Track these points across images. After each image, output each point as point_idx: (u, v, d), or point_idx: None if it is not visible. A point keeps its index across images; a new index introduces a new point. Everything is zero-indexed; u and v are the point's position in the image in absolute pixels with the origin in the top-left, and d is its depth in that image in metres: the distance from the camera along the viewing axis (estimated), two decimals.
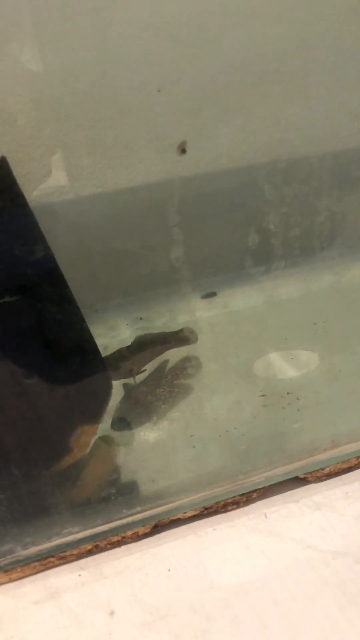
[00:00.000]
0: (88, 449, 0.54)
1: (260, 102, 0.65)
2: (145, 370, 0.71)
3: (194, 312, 0.77)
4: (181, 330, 0.73)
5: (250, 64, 0.64)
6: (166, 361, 0.72)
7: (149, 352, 0.71)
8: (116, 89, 0.73)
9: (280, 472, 0.57)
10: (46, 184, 0.78)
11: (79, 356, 0.52)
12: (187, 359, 0.71)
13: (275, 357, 0.68)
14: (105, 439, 0.59)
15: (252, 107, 0.65)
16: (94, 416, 0.55)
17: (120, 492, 0.54)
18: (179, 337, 0.72)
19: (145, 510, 0.55)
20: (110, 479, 0.55)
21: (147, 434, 0.61)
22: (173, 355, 0.71)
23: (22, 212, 0.48)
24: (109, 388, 0.57)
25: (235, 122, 0.66)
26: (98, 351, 0.54)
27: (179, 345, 0.73)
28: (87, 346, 0.53)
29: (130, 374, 0.69)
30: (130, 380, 0.68)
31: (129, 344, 0.70)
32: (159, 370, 0.71)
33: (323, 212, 0.66)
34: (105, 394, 0.57)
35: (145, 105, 0.69)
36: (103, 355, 0.66)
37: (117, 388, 0.66)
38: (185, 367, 0.72)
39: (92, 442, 0.54)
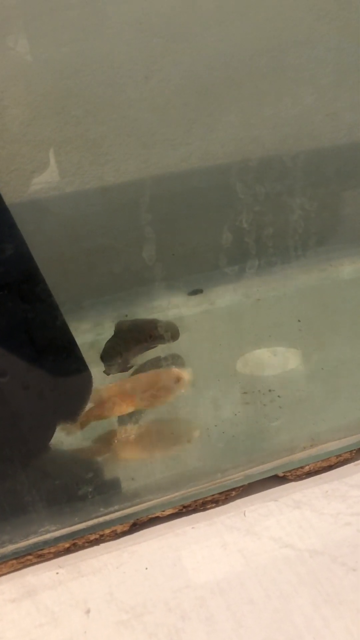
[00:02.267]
0: None
1: (233, 100, 0.64)
2: (132, 366, 0.71)
3: (180, 309, 0.76)
4: (154, 320, 0.73)
5: (222, 62, 0.63)
6: (150, 360, 0.72)
7: (136, 348, 0.71)
8: (103, 83, 0.72)
9: (259, 470, 0.57)
10: (33, 180, 0.78)
11: (56, 353, 0.52)
12: (169, 358, 0.71)
13: (258, 355, 0.68)
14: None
15: (225, 106, 0.65)
16: (72, 414, 0.55)
17: (98, 490, 0.54)
18: (156, 327, 0.72)
19: (123, 509, 0.55)
20: (86, 475, 0.54)
21: (128, 432, 0.61)
22: (155, 353, 0.71)
23: None
24: (88, 386, 0.57)
25: (207, 121, 0.66)
26: (77, 349, 0.54)
27: (162, 342, 0.73)
28: (64, 343, 0.53)
29: (126, 366, 0.68)
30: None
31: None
32: (144, 368, 0.70)
33: (297, 211, 0.65)
34: (84, 391, 0.57)
35: (120, 101, 0.69)
36: (102, 352, 0.66)
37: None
38: (167, 362, 0.72)
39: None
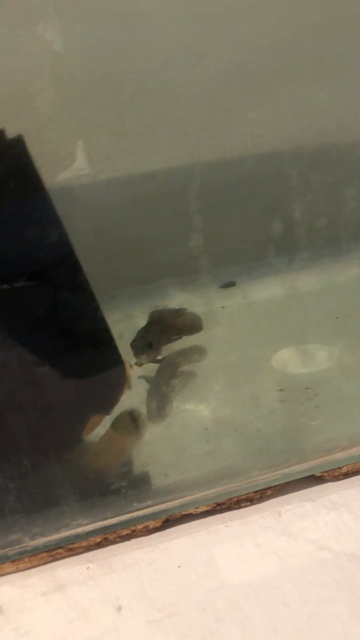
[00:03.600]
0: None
1: (289, 84, 0.62)
2: (162, 358, 0.70)
3: (212, 302, 0.75)
4: (183, 309, 0.72)
5: (279, 44, 0.61)
6: (175, 352, 0.71)
7: (163, 338, 0.70)
8: (137, 69, 0.71)
9: (296, 469, 0.55)
10: (64, 167, 0.77)
11: (92, 344, 0.51)
12: (191, 348, 0.70)
13: (294, 351, 0.66)
14: (133, 415, 0.57)
15: (279, 90, 0.62)
16: (106, 406, 0.54)
17: (131, 485, 0.53)
18: (182, 316, 0.71)
19: (156, 504, 0.53)
20: (121, 470, 0.53)
21: (161, 427, 0.60)
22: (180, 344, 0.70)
23: (37, 193, 0.47)
24: (122, 377, 0.56)
25: (261, 106, 0.63)
26: (113, 340, 0.52)
27: (188, 333, 0.72)
28: (101, 334, 0.52)
29: (156, 356, 0.67)
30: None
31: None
32: (170, 361, 0.69)
33: (351, 202, 0.63)
34: (118, 383, 0.56)
35: (167, 86, 0.67)
36: (130, 341, 0.65)
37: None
38: (190, 354, 0.70)
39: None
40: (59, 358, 0.49)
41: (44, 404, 0.49)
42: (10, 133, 0.53)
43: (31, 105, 0.68)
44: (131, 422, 0.58)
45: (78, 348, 0.50)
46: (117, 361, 0.53)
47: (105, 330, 0.51)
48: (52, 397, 0.49)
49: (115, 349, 0.53)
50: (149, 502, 0.53)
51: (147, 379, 0.68)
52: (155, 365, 0.67)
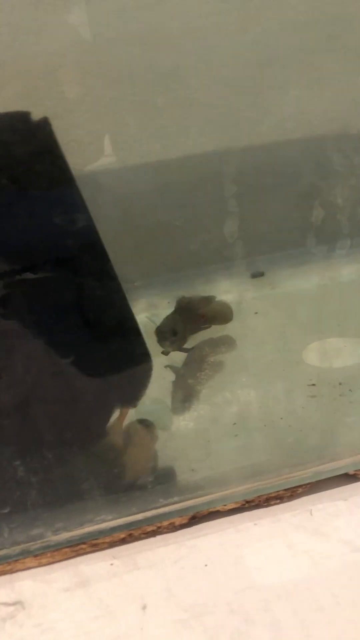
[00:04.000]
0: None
1: (335, 61, 0.59)
2: (190, 348, 0.68)
3: (242, 292, 0.73)
4: (212, 297, 0.70)
5: (326, 17, 0.57)
6: (203, 341, 0.69)
7: (192, 326, 0.68)
8: (168, 49, 0.68)
9: (328, 467, 0.53)
10: (90, 152, 0.75)
11: (119, 335, 0.49)
12: (220, 338, 0.68)
13: (327, 345, 0.64)
14: (145, 424, 0.55)
15: (325, 68, 0.59)
16: (132, 399, 0.52)
17: (157, 480, 0.52)
18: (211, 304, 0.69)
19: (183, 501, 0.52)
20: (150, 465, 0.52)
21: (188, 420, 0.58)
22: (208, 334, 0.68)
23: (63, 177, 0.45)
24: (149, 370, 0.54)
25: (305, 84, 0.60)
26: (139, 331, 0.51)
27: (217, 322, 0.70)
28: (127, 325, 0.50)
29: (183, 345, 0.66)
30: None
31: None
32: (198, 351, 0.67)
33: None
34: (144, 375, 0.54)
35: (200, 66, 0.64)
36: (155, 327, 0.63)
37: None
38: (219, 345, 0.68)
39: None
40: (85, 349, 0.47)
41: (69, 395, 0.47)
42: (36, 116, 0.52)
43: (57, 88, 0.67)
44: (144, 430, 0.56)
45: (104, 339, 0.48)
46: (143, 353, 0.51)
47: (132, 320, 0.50)
48: (77, 389, 0.47)
49: (141, 340, 0.51)
50: (175, 498, 0.52)
51: (174, 369, 0.66)
52: (184, 355, 0.66)
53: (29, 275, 0.46)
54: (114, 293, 0.48)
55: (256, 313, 0.69)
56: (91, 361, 0.48)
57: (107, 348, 0.49)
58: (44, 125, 0.45)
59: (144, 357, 0.52)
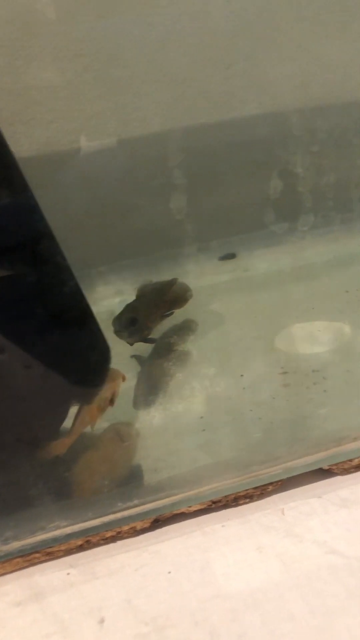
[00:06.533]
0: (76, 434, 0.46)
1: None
2: (154, 339, 0.64)
3: (210, 276, 0.68)
4: (175, 280, 0.65)
5: None
6: (169, 329, 0.65)
7: (155, 314, 0.64)
8: (125, 21, 0.64)
9: (301, 462, 0.49)
10: (52, 132, 0.71)
11: (67, 324, 0.44)
12: (184, 323, 0.64)
13: (299, 329, 0.60)
14: (118, 429, 0.51)
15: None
16: (86, 395, 0.48)
17: (115, 482, 0.47)
18: (174, 287, 0.65)
19: (144, 504, 0.48)
20: (112, 475, 0.47)
21: (151, 415, 0.54)
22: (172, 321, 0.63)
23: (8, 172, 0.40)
24: (105, 361, 0.50)
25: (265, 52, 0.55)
26: (91, 318, 0.46)
27: (178, 306, 0.66)
28: (77, 312, 0.45)
29: (147, 335, 0.61)
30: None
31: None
32: (165, 340, 0.63)
33: None
34: (100, 367, 0.49)
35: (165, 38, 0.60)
36: (115, 316, 0.59)
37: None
38: (184, 331, 0.64)
39: (86, 427, 0.47)
40: (27, 341, 0.42)
41: (11, 394, 0.43)
42: None
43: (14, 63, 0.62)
44: (117, 439, 0.51)
45: (49, 329, 0.44)
46: (97, 342, 0.47)
47: (82, 307, 0.45)
48: (20, 386, 0.43)
49: (95, 329, 0.47)
50: (136, 501, 0.48)
51: (139, 360, 0.62)
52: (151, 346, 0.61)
53: None
54: (59, 276, 0.43)
55: (225, 297, 0.65)
56: (36, 354, 0.43)
57: (54, 338, 0.44)
58: None
59: (98, 346, 0.47)
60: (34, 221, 0.43)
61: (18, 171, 0.44)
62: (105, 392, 0.48)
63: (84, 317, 0.47)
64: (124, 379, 0.50)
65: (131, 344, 0.61)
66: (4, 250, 0.40)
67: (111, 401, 0.48)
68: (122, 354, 0.62)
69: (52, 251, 0.42)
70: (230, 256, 0.70)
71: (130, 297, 0.69)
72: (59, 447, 0.47)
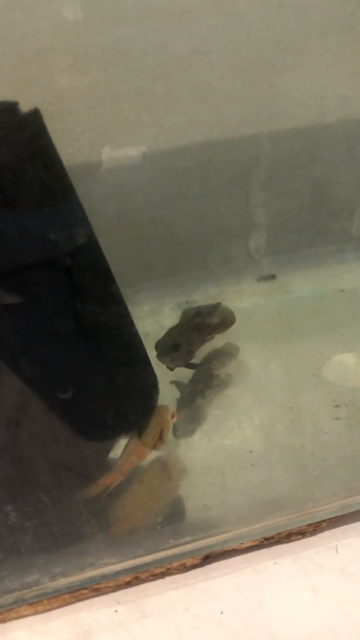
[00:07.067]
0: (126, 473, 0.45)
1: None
2: (197, 364, 0.62)
3: (249, 297, 0.66)
4: (219, 304, 0.64)
5: None
6: (210, 354, 0.64)
7: (197, 338, 0.62)
8: (163, 34, 0.62)
9: (357, 500, 0.48)
10: (83, 142, 0.69)
11: (123, 366, 0.43)
12: (226, 348, 0.62)
13: (350, 359, 0.58)
14: (163, 462, 0.49)
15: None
16: (135, 427, 0.46)
17: (166, 519, 0.46)
18: (218, 312, 0.63)
19: (195, 540, 0.46)
20: (158, 509, 0.46)
21: (198, 448, 0.52)
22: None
23: (58, 181, 0.39)
24: (153, 392, 0.48)
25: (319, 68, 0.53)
26: (147, 360, 0.45)
27: (221, 330, 0.64)
28: (133, 353, 0.44)
29: (189, 360, 0.59)
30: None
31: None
32: (206, 366, 0.61)
33: None
34: (149, 399, 0.48)
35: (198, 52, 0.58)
36: (156, 341, 0.57)
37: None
38: (225, 355, 0.63)
39: (135, 465, 0.46)
40: (83, 377, 0.41)
41: (63, 430, 0.41)
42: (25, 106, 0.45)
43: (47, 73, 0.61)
44: (164, 475, 0.49)
45: (106, 369, 0.42)
46: (149, 382, 0.45)
47: (139, 348, 0.43)
48: (74, 422, 0.41)
49: (148, 370, 0.45)
50: (187, 538, 0.46)
51: (179, 386, 0.61)
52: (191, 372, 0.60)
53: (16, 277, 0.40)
54: (122, 316, 0.41)
55: (267, 321, 0.63)
56: (89, 391, 0.42)
57: (110, 378, 0.43)
58: (34, 119, 0.39)
59: (149, 386, 0.46)
60: (85, 236, 0.41)
61: (77, 200, 0.42)
62: (153, 429, 0.47)
63: (138, 356, 0.45)
64: (173, 415, 0.48)
65: (172, 369, 0.59)
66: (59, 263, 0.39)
67: (160, 438, 0.47)
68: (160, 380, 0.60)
69: (114, 289, 0.41)
70: (270, 277, 0.68)
71: (164, 317, 0.67)
72: (106, 481, 0.46)
